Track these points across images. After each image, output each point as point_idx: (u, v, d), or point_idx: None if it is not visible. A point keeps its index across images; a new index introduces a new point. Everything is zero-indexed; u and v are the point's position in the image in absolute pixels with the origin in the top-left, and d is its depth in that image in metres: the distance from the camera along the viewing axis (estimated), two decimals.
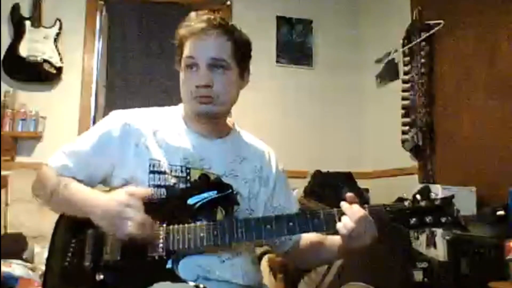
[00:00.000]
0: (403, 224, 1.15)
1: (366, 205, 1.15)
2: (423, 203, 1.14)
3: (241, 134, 1.42)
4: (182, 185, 1.24)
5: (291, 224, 1.16)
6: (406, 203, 1.15)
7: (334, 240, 1.25)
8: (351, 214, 1.13)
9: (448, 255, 2.39)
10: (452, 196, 1.16)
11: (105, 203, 1.14)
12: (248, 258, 1.30)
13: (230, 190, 1.23)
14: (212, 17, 1.26)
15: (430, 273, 2.43)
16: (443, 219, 1.13)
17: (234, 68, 1.28)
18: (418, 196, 1.16)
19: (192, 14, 1.29)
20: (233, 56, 1.27)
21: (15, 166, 3.11)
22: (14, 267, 2.28)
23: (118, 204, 1.12)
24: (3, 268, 2.18)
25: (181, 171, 1.25)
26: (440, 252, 2.43)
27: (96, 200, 1.17)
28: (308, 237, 1.37)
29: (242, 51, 1.30)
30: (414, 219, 1.14)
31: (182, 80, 1.29)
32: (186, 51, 1.26)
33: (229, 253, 1.23)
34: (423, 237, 2.55)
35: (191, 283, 1.13)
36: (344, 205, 1.15)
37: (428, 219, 1.13)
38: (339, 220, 1.14)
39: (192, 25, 1.25)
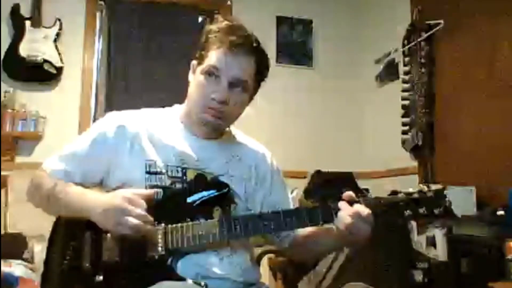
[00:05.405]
0: (397, 216, 1.18)
1: (361, 198, 1.17)
2: (416, 195, 1.17)
3: (236, 135, 1.43)
4: (178, 186, 1.25)
5: (288, 219, 1.17)
6: (399, 196, 1.18)
7: (330, 229, 1.24)
8: (348, 208, 1.14)
9: (448, 255, 2.39)
10: (444, 188, 1.19)
11: (107, 201, 1.15)
12: (246, 255, 1.30)
13: (228, 189, 1.24)
14: (248, 34, 1.26)
15: (430, 273, 2.43)
16: (436, 211, 1.16)
17: (249, 90, 1.30)
18: (410, 189, 1.19)
19: (230, 24, 1.28)
20: (253, 78, 1.29)
21: (15, 166, 3.11)
22: (14, 267, 2.28)
23: (121, 200, 1.13)
24: (3, 268, 2.18)
25: (177, 171, 1.26)
26: (440, 252, 2.43)
27: (94, 200, 1.18)
28: (304, 230, 1.37)
29: (261, 74, 1.32)
30: (408, 211, 1.17)
31: (198, 84, 1.28)
32: (212, 59, 1.25)
33: (227, 251, 1.24)
34: (423, 237, 2.55)
35: (191, 281, 1.13)
36: (342, 203, 1.17)
37: (421, 210, 1.16)
38: (336, 214, 1.15)
39: (229, 37, 1.24)
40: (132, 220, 1.11)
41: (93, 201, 1.18)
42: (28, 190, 1.30)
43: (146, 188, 1.22)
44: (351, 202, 1.16)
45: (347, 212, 1.14)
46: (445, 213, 1.17)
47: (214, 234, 1.16)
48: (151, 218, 1.14)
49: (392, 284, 2.32)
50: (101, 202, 1.16)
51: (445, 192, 1.18)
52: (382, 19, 3.81)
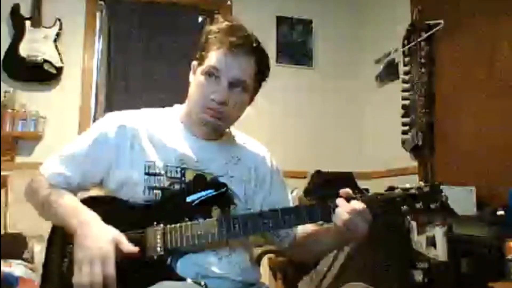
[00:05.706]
0: (395, 211, 1.18)
1: (358, 195, 1.17)
2: (413, 191, 1.18)
3: (236, 136, 1.43)
4: (177, 187, 1.24)
5: (287, 217, 1.18)
6: (396, 191, 1.19)
7: (330, 228, 1.25)
8: (345, 205, 1.14)
9: (448, 255, 2.39)
10: (440, 183, 1.20)
11: (95, 235, 1.10)
12: (245, 255, 1.30)
13: (226, 188, 1.24)
14: (248, 34, 1.26)
15: (430, 273, 2.43)
16: (433, 205, 1.18)
17: (250, 90, 1.30)
18: (407, 185, 1.21)
19: (230, 24, 1.28)
20: (253, 78, 1.29)
21: (15, 166, 3.11)
22: (14, 267, 2.28)
23: (109, 245, 1.08)
24: (3, 268, 2.18)
25: (176, 172, 1.26)
26: (440, 252, 2.43)
27: (82, 223, 1.13)
28: (304, 229, 1.38)
29: (262, 74, 1.32)
30: (405, 206, 1.18)
31: (198, 84, 1.28)
32: (212, 60, 1.25)
33: (226, 250, 1.24)
34: (423, 237, 2.55)
35: (190, 281, 1.13)
36: (339, 200, 1.17)
37: (418, 205, 1.17)
38: (334, 211, 1.15)
39: (229, 37, 1.24)
40: (99, 276, 1.05)
41: (81, 224, 1.13)
42: (25, 193, 1.30)
43: (144, 188, 1.22)
44: (348, 199, 1.16)
45: (345, 208, 1.14)
46: (442, 208, 1.18)
47: (213, 234, 1.16)
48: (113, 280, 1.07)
49: (392, 284, 2.32)
50: (89, 231, 1.11)
51: (441, 187, 1.19)
52: (382, 19, 3.81)
